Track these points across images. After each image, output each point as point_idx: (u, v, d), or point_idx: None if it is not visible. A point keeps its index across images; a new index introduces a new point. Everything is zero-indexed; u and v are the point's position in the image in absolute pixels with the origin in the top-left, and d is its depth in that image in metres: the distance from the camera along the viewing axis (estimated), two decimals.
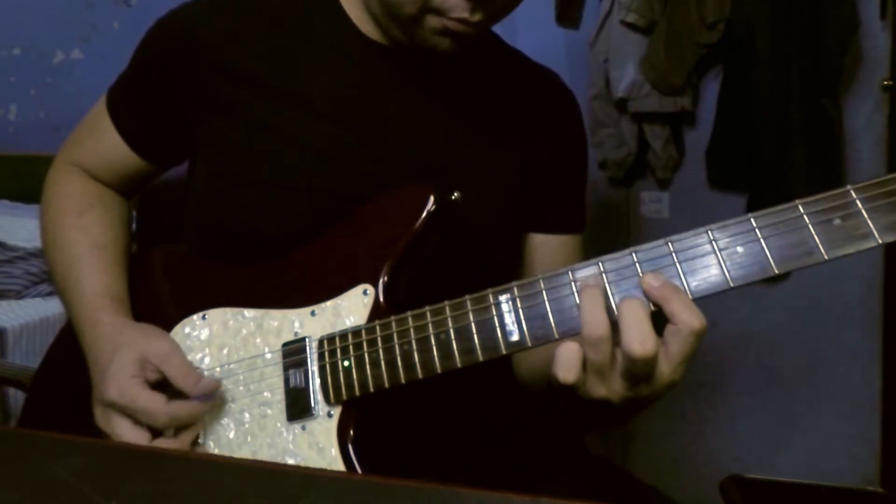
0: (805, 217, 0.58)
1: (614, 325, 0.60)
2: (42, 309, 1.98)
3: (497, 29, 0.83)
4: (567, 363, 0.61)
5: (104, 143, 0.91)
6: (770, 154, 1.77)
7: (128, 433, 0.73)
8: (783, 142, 1.75)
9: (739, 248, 0.59)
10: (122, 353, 0.75)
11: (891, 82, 1.79)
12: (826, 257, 0.57)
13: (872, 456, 1.89)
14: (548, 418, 0.85)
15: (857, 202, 0.56)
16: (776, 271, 0.58)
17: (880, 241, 0.56)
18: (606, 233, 2.03)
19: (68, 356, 0.85)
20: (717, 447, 2.04)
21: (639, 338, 0.58)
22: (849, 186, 0.57)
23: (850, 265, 1.85)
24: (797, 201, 0.58)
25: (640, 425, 2.10)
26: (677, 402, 2.04)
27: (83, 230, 0.87)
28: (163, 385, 0.74)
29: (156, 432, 0.74)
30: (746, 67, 1.78)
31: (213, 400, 0.75)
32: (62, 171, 0.93)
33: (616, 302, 0.61)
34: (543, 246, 0.93)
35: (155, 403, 0.72)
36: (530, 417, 0.94)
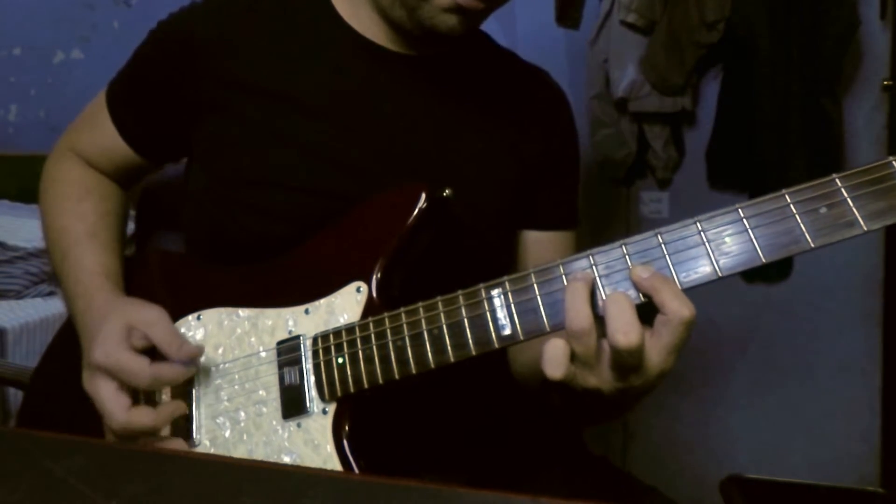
0: (791, 206, 0.58)
1: (602, 318, 0.60)
2: (42, 309, 1.98)
3: (498, 29, 0.83)
4: (554, 360, 0.61)
5: (102, 135, 0.93)
6: (770, 154, 1.77)
7: (111, 395, 0.74)
8: (783, 142, 1.75)
9: (727, 239, 0.59)
10: (110, 320, 0.77)
11: (891, 82, 1.79)
12: (812, 245, 0.57)
13: (872, 456, 1.89)
14: (547, 417, 0.85)
15: (843, 191, 0.57)
16: (763, 260, 0.58)
17: (865, 229, 0.56)
18: (606, 233, 2.03)
19: (67, 355, 0.85)
20: (717, 447, 2.03)
21: (623, 329, 0.58)
22: (834, 175, 0.57)
23: (850, 266, 1.85)
24: (784, 191, 0.58)
25: (640, 425, 2.09)
26: (677, 402, 2.04)
27: (80, 216, 0.89)
28: (149, 353, 0.76)
29: (137, 398, 0.76)
30: (746, 67, 1.78)
31: (196, 367, 0.76)
32: (63, 157, 0.96)
33: (606, 294, 0.61)
34: (537, 243, 0.93)
35: (139, 364, 0.74)
36: (529, 416, 0.94)
